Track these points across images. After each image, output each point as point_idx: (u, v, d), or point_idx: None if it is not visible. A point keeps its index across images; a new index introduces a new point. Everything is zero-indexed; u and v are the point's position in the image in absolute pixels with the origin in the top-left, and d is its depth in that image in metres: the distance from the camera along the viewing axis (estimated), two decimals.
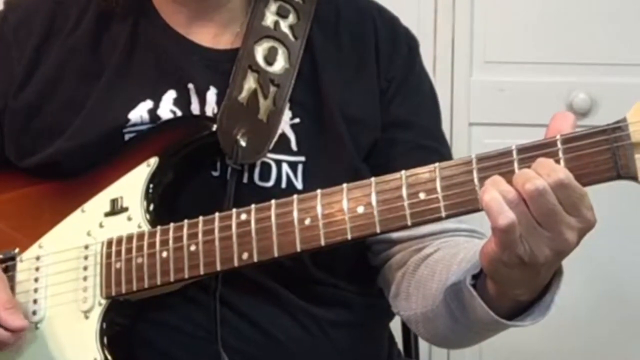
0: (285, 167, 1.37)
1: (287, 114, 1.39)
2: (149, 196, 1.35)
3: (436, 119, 1.51)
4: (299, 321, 1.37)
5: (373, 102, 1.43)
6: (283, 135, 1.38)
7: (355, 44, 1.45)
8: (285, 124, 1.39)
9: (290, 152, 1.38)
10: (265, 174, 1.36)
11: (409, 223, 1.17)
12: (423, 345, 1.80)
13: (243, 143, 1.35)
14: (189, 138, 1.37)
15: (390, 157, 1.40)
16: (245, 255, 1.24)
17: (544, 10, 2.32)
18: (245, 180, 1.36)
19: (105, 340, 1.32)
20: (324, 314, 1.39)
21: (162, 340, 1.35)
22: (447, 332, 1.32)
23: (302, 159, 1.38)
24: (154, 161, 1.36)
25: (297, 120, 1.40)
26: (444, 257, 1.34)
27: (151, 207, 1.34)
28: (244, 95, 1.39)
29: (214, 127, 1.36)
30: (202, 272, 1.27)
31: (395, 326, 1.58)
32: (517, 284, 1.16)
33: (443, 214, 1.15)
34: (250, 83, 1.39)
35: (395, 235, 1.39)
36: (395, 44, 1.47)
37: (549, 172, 1.08)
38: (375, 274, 1.46)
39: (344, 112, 1.40)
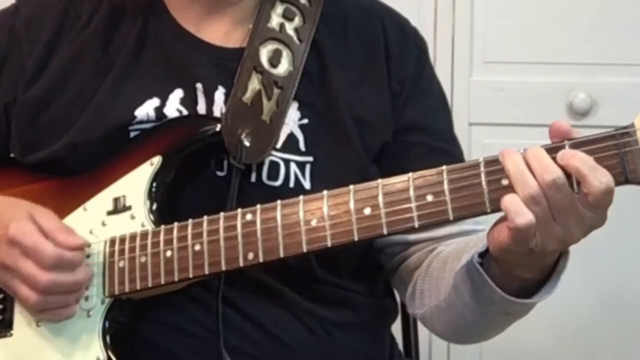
0: (293, 167, 1.37)
1: (296, 114, 1.39)
2: (152, 195, 1.34)
3: (448, 120, 1.52)
4: (303, 322, 1.37)
5: (383, 104, 1.43)
6: (291, 135, 1.38)
7: (364, 45, 1.45)
8: (294, 124, 1.39)
9: (298, 152, 1.38)
10: (273, 173, 1.36)
11: (416, 225, 1.17)
12: (423, 345, 1.80)
13: (247, 143, 1.35)
14: (193, 137, 1.37)
15: (407, 161, 1.40)
16: (250, 256, 1.24)
17: (544, 10, 2.32)
18: (253, 179, 1.36)
19: (108, 339, 1.31)
20: (328, 315, 1.39)
21: (165, 339, 1.34)
22: (460, 322, 1.33)
23: (310, 159, 1.38)
24: (157, 160, 1.35)
25: (305, 120, 1.39)
26: (454, 250, 1.36)
27: (154, 206, 1.34)
28: (248, 95, 1.38)
29: (219, 127, 1.35)
30: (206, 272, 1.27)
31: (396, 326, 1.58)
32: (522, 267, 1.18)
33: (451, 216, 1.16)
34: (254, 84, 1.39)
35: (412, 237, 1.40)
36: (405, 45, 1.47)
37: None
38: (380, 275, 1.46)
39: (352, 113, 1.40)
